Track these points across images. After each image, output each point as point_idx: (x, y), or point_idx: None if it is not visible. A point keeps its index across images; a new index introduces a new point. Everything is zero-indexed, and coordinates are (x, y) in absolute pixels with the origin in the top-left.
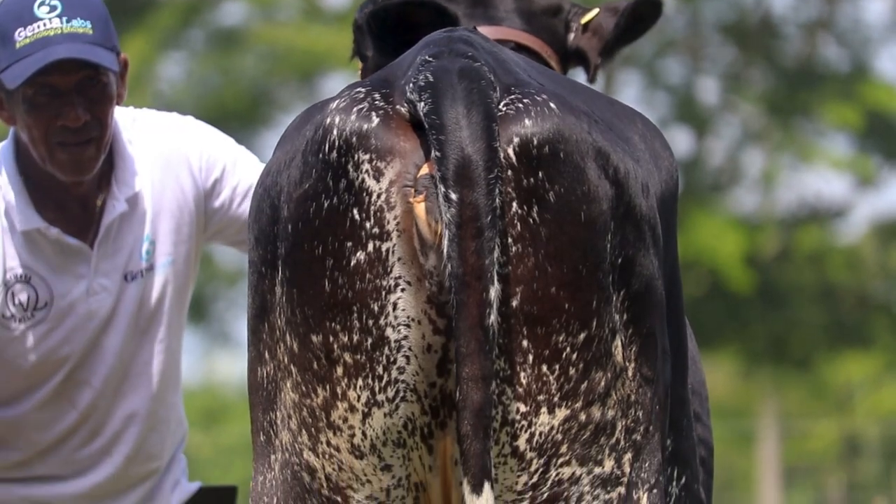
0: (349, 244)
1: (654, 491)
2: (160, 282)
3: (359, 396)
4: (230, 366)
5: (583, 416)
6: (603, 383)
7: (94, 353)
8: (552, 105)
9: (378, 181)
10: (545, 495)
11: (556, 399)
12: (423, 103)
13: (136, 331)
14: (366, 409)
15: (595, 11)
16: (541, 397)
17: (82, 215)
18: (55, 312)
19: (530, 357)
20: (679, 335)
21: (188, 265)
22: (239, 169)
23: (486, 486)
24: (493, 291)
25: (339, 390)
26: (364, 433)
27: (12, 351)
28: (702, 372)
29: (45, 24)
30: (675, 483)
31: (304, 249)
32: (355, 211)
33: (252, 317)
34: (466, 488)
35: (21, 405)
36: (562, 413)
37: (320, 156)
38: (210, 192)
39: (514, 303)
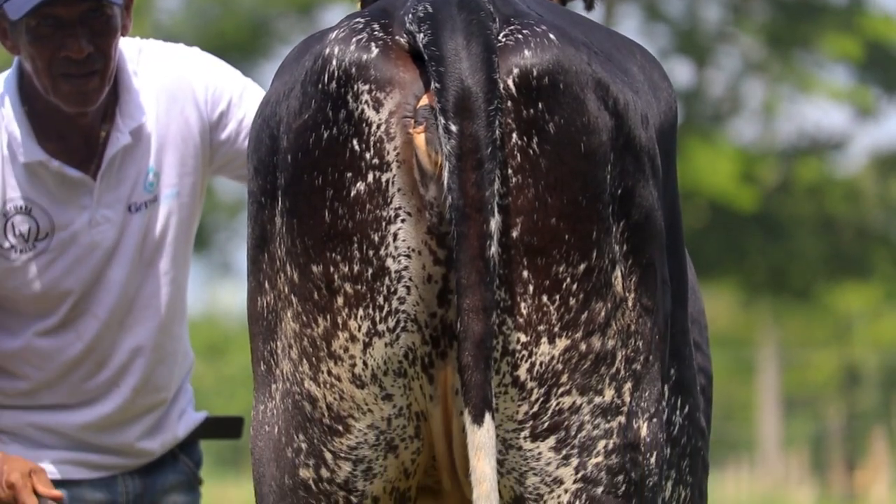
0: (349, 175)
1: (654, 420)
2: (165, 213)
3: (359, 326)
4: (232, 296)
5: (583, 346)
6: (603, 313)
7: (99, 284)
8: (552, 36)
9: (377, 112)
10: (545, 424)
11: (556, 329)
12: (422, 34)
13: (141, 263)
14: (366, 339)
15: None
16: (541, 327)
17: (85, 147)
18: (57, 243)
19: (531, 288)
20: (679, 265)
21: (193, 198)
22: (245, 101)
23: (488, 416)
24: (494, 223)
25: (339, 320)
26: (365, 363)
27: (15, 281)
28: (701, 301)
29: None
30: (678, 412)
31: (303, 180)
32: (355, 142)
33: (251, 247)
34: (468, 419)
35: (26, 335)
36: (562, 343)
37: (319, 86)
38: (216, 124)
39: (515, 234)
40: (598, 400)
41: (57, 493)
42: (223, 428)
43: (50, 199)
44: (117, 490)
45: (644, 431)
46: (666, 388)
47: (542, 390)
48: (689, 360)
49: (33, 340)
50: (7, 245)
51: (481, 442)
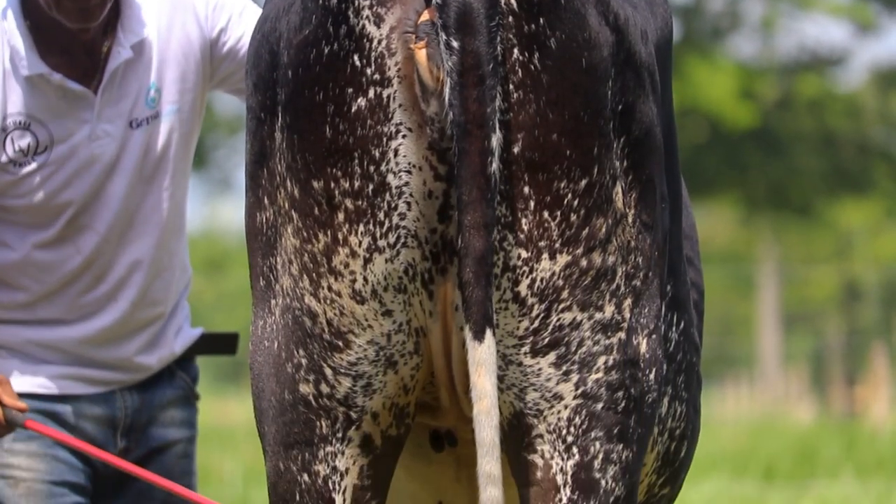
0: (350, 90)
1: (654, 336)
2: (166, 129)
3: (360, 242)
4: (231, 213)
5: (583, 262)
6: (603, 229)
7: (99, 198)
8: None
9: (378, 27)
10: (546, 340)
11: (557, 245)
12: None
13: (141, 178)
14: (367, 255)
15: None
16: (542, 243)
17: (87, 61)
18: (55, 156)
19: (532, 204)
20: (674, 181)
21: (193, 113)
22: (245, 18)
23: (488, 332)
24: (495, 139)
25: (340, 236)
26: (365, 278)
27: (14, 193)
28: (692, 215)
29: None
30: (674, 328)
31: (304, 96)
32: (356, 57)
33: (250, 163)
34: (468, 335)
35: (25, 247)
36: (563, 259)
37: (320, 1)
38: (216, 40)
39: (516, 150)
40: (598, 316)
41: (21, 404)
42: (219, 344)
43: (50, 113)
44: (116, 405)
45: (643, 347)
46: (663, 304)
47: (543, 306)
48: (684, 276)
49: (33, 253)
50: (5, 159)
51: (482, 358)
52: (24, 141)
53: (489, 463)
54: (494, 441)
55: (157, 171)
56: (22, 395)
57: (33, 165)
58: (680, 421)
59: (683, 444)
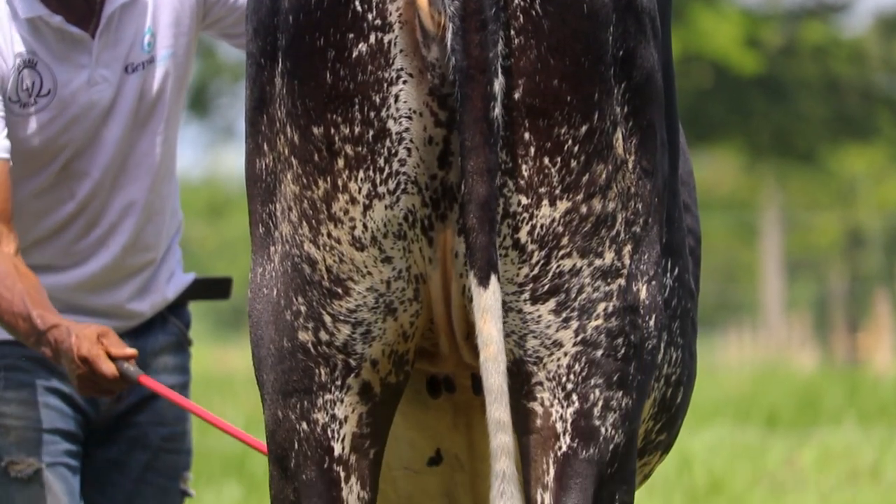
0: (350, 36)
1: (653, 283)
2: (161, 74)
3: (360, 188)
4: (234, 160)
5: (584, 209)
6: (604, 176)
7: (94, 143)
8: None
9: None
10: (546, 287)
11: (557, 191)
12: None
13: (136, 123)
14: (367, 202)
15: None
16: (542, 190)
17: (84, 5)
18: (58, 101)
19: (532, 150)
20: (672, 128)
21: (187, 57)
22: None
23: (493, 278)
24: (498, 84)
25: (339, 182)
26: (365, 225)
27: (13, 136)
28: (689, 162)
29: None
30: (669, 275)
31: (305, 41)
32: (357, 2)
33: (250, 109)
34: (473, 281)
35: (19, 193)
36: (563, 205)
37: None
38: None
39: (516, 96)
40: (598, 262)
41: (131, 351)
42: (212, 289)
43: (51, 56)
44: None
45: (643, 294)
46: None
47: (543, 253)
48: (679, 222)
49: (27, 202)
50: (14, 98)
51: (487, 304)
52: (30, 80)
53: (498, 410)
54: (503, 387)
55: (151, 115)
56: (13, 344)
57: (35, 108)
58: (676, 367)
59: (680, 391)
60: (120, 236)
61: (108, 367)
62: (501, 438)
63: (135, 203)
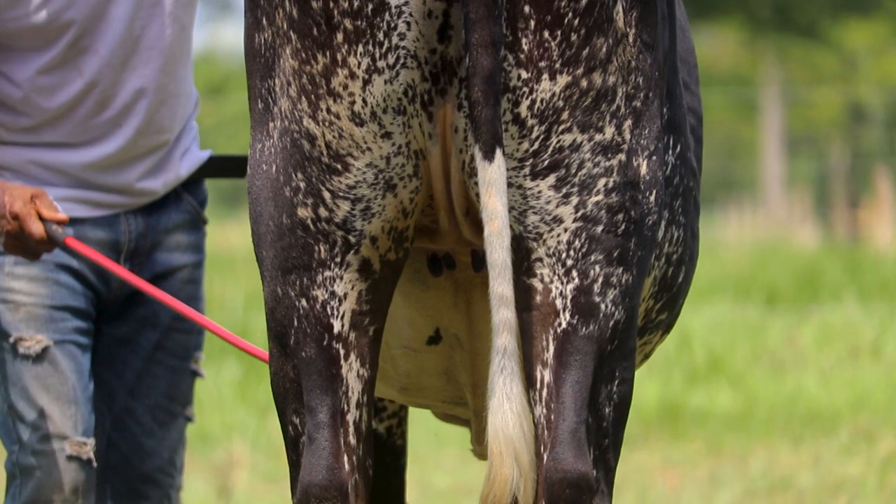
0: None
1: (654, 158)
2: None
3: (359, 63)
4: (233, 36)
5: (584, 83)
6: (604, 49)
7: (101, 19)
8: None
9: None
10: (546, 162)
11: (557, 65)
12: None
13: (146, 1)
14: (366, 76)
15: None
16: (542, 63)
17: None
18: None
19: (532, 23)
20: (671, 2)
21: None
22: None
23: (498, 152)
24: None
25: (339, 57)
26: (364, 100)
27: (17, 11)
28: (690, 40)
29: None
30: (670, 152)
31: None
32: None
33: None
34: (478, 155)
35: (27, 69)
36: (563, 79)
37: None
38: None
39: None
40: (598, 137)
41: (62, 216)
42: (227, 167)
43: None
44: (119, 229)
45: (644, 169)
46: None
47: (543, 128)
48: (680, 98)
49: (35, 79)
50: None
51: (492, 178)
52: None
53: (501, 285)
54: (506, 262)
55: None
56: None
57: None
58: (677, 246)
59: (681, 270)
60: (133, 118)
61: (37, 227)
62: (504, 314)
63: (147, 86)
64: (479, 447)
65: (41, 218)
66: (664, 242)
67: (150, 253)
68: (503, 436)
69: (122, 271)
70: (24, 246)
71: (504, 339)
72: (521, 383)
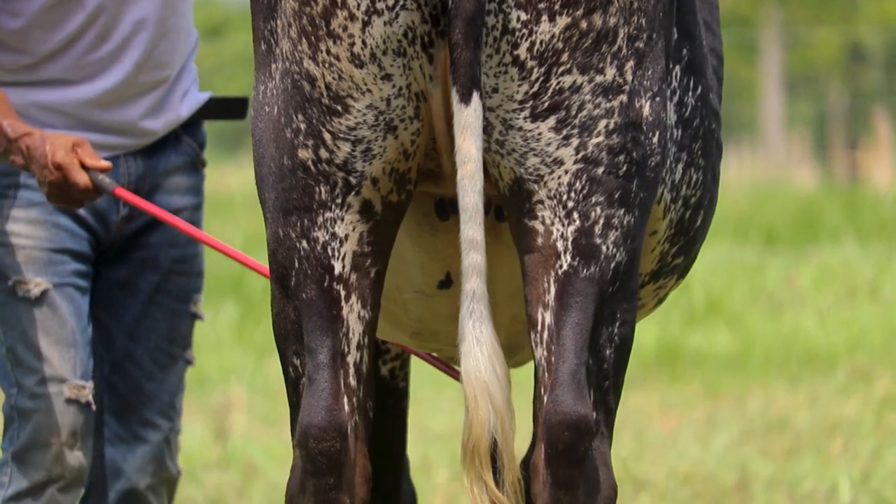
0: None
1: (657, 99)
2: None
3: (358, 4)
4: None
5: (584, 24)
6: None
7: None
8: None
9: None
10: (546, 104)
11: (556, 6)
12: None
13: None
14: (365, 18)
15: None
16: (541, 5)
17: None
18: None
19: None
20: None
21: None
22: None
23: (475, 95)
24: None
25: None
26: (364, 42)
27: None
28: None
29: None
30: (690, 93)
31: None
32: None
33: None
34: (455, 98)
35: (31, 5)
36: (562, 21)
37: None
38: None
39: None
40: (599, 79)
41: (105, 163)
42: (227, 108)
43: None
44: (119, 171)
45: (646, 111)
46: (678, 68)
47: (543, 69)
48: (700, 39)
49: (39, 15)
50: None
51: (467, 121)
52: None
53: (472, 228)
54: (478, 206)
55: None
56: None
57: None
58: (696, 189)
59: (699, 214)
60: (133, 52)
61: (82, 177)
62: (474, 257)
63: (148, 18)
64: None
65: (84, 167)
66: (682, 185)
67: (149, 195)
68: (476, 379)
69: (178, 222)
70: (68, 196)
71: (473, 282)
72: (491, 326)
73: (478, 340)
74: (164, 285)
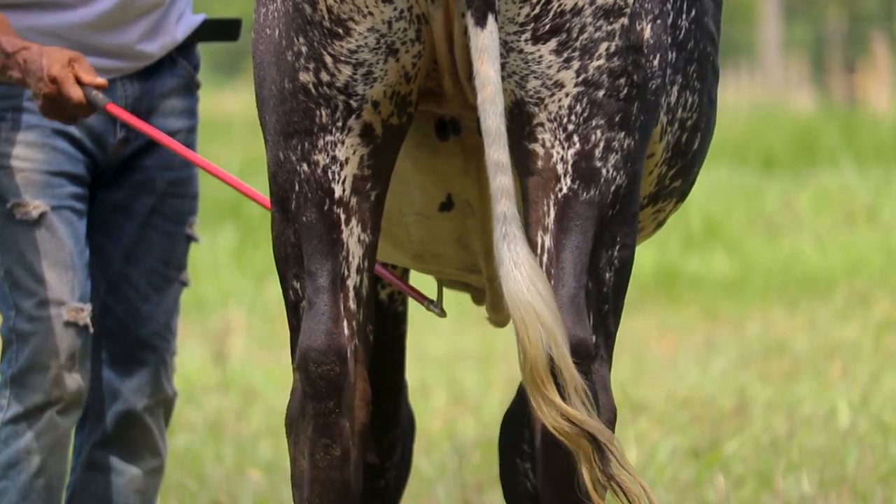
0: None
1: (658, 22)
2: None
3: None
4: None
5: None
6: None
7: None
8: None
9: None
10: (547, 27)
11: None
12: None
13: None
14: None
15: None
16: None
17: None
18: None
19: None
20: None
21: None
22: None
23: (490, 18)
24: None
25: None
26: None
27: None
28: None
29: None
30: (684, 16)
31: None
32: None
33: None
34: (470, 21)
35: None
36: None
37: None
38: None
39: None
40: (600, 1)
41: (100, 80)
42: (221, 30)
43: None
44: (116, 94)
45: (647, 33)
46: None
47: None
48: None
49: None
50: None
51: (484, 45)
52: None
53: (497, 151)
54: (500, 129)
55: None
56: None
57: None
58: (692, 112)
59: (696, 136)
60: None
61: (76, 92)
62: (501, 180)
63: None
64: (496, 315)
65: (80, 82)
66: (677, 108)
67: (145, 118)
68: (520, 301)
69: (173, 144)
70: (62, 110)
71: (503, 205)
72: (527, 245)
73: (515, 263)
74: (160, 207)
